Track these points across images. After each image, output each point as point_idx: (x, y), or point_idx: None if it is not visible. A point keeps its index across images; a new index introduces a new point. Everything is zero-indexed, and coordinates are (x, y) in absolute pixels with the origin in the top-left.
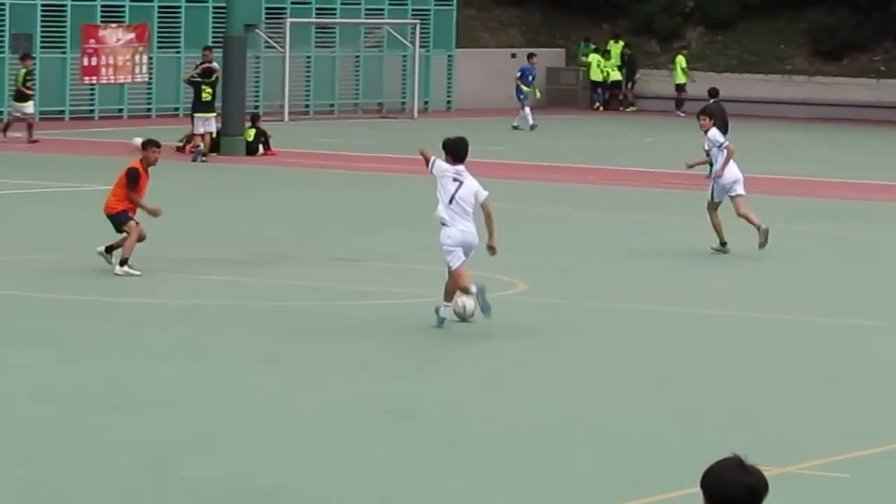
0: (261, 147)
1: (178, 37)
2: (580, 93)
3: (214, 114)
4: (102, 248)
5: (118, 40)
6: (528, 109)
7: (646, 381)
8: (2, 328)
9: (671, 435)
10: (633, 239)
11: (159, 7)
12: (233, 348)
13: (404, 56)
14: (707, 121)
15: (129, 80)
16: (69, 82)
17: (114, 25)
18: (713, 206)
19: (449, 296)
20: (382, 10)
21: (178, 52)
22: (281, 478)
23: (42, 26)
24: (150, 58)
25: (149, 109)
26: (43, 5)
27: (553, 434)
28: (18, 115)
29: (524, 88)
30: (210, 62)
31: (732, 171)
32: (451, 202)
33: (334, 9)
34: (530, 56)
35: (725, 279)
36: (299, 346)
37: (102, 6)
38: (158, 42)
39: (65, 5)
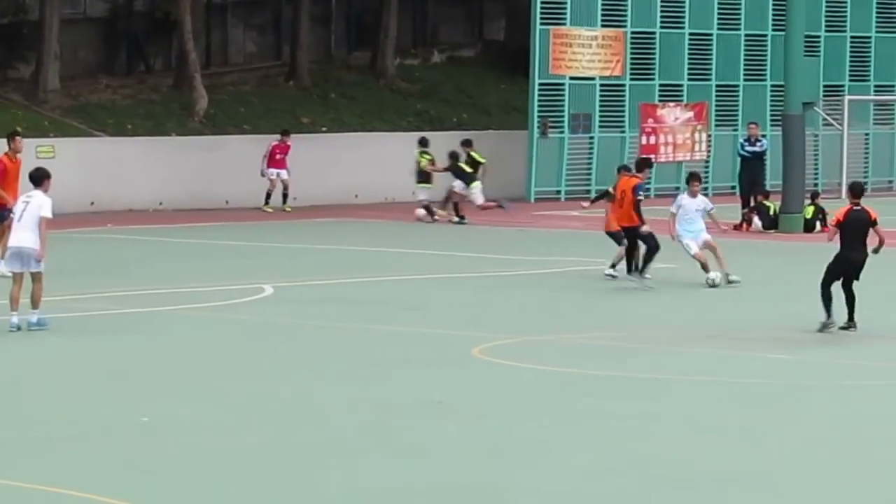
0: (818, 224)
1: (736, 115)
2: None
3: (430, 185)
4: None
5: (676, 119)
6: None
7: None
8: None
9: None
10: None
11: (717, 86)
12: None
13: None
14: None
15: (688, 159)
16: (626, 161)
17: (672, 104)
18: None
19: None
20: None
21: (734, 130)
22: None
23: (601, 106)
24: (709, 136)
25: (705, 188)
26: (601, 85)
27: None
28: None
29: None
30: (758, 138)
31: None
32: None
33: (893, 85)
34: None
35: None
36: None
37: (661, 85)
38: (716, 120)
39: (623, 85)
